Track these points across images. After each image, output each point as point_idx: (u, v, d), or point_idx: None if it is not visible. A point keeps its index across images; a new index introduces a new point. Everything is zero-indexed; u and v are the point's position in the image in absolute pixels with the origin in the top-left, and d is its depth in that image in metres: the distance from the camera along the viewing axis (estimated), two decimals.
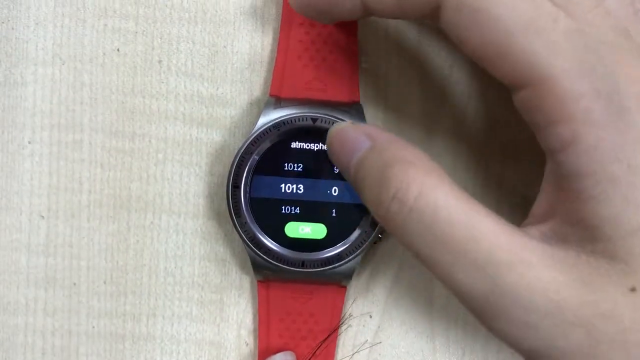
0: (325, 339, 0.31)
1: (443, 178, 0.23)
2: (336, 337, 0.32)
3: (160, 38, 0.32)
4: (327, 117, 0.30)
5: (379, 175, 0.23)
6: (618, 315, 0.21)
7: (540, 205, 0.24)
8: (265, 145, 0.30)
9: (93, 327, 0.33)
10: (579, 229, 0.22)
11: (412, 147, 0.24)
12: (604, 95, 0.21)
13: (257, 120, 0.30)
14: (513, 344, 0.22)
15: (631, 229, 0.21)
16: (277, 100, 0.30)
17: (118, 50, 0.32)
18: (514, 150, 0.32)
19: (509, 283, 0.21)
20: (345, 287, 0.32)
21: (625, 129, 0.21)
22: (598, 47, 0.21)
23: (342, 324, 0.32)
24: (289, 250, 0.30)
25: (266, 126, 0.30)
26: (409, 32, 0.31)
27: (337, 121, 0.29)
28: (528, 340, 0.22)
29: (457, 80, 0.32)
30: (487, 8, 0.21)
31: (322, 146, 0.30)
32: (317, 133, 0.30)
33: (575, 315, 0.21)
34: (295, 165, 0.30)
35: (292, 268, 0.30)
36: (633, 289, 0.21)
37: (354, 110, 0.30)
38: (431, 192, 0.22)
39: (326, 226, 0.30)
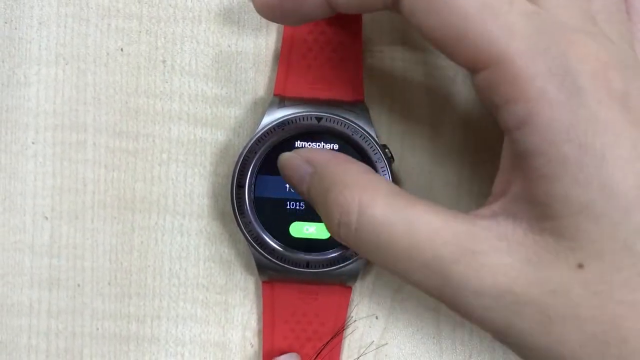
0: (329, 340, 0.31)
1: (378, 190, 0.24)
2: (341, 338, 0.32)
3: (164, 38, 0.32)
4: (331, 116, 0.29)
5: (324, 202, 0.25)
6: (567, 292, 0.21)
7: (498, 184, 0.24)
8: (270, 144, 0.30)
9: (97, 328, 0.33)
10: (530, 207, 0.22)
11: (347, 163, 0.25)
12: (558, 74, 0.21)
13: (261, 120, 0.30)
14: (479, 326, 0.23)
15: (579, 207, 0.21)
16: (281, 99, 0.30)
17: (122, 50, 0.32)
18: None
19: (457, 275, 0.22)
20: (350, 287, 0.31)
21: (578, 108, 0.21)
22: (554, 29, 0.22)
23: (347, 326, 0.32)
24: (294, 251, 0.30)
25: (270, 125, 0.30)
26: (414, 30, 0.31)
27: (341, 120, 0.29)
28: (488, 322, 0.23)
29: (464, 79, 0.31)
30: None
31: (326, 145, 0.30)
32: (321, 132, 0.30)
33: (526, 294, 0.22)
34: None
35: (296, 268, 0.30)
36: (580, 266, 0.21)
37: (358, 109, 0.30)
38: (368, 209, 0.23)
39: None
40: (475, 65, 0.22)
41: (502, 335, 0.23)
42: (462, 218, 0.23)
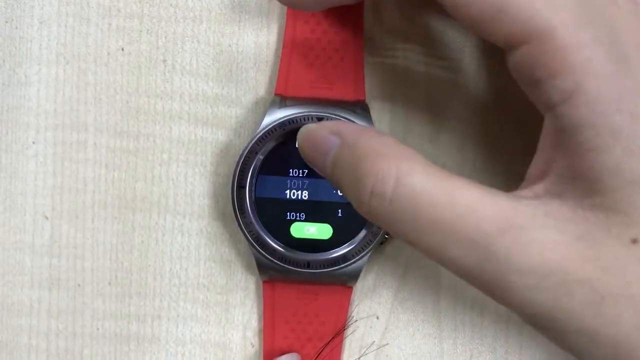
0: (330, 340, 0.31)
1: (416, 161, 0.22)
2: (342, 338, 0.32)
3: (165, 37, 0.32)
4: (332, 116, 0.29)
5: (353, 172, 0.23)
6: (621, 269, 0.20)
7: (535, 166, 0.23)
8: (271, 144, 0.30)
9: (97, 328, 0.33)
10: (576, 184, 0.21)
11: (380, 135, 0.24)
12: (605, 44, 0.21)
13: (262, 120, 0.30)
14: (518, 310, 0.22)
15: (631, 179, 0.20)
16: (282, 99, 0.30)
17: (122, 49, 0.32)
18: (523, 147, 0.31)
19: (502, 250, 0.21)
20: (351, 287, 0.31)
21: (627, 77, 0.20)
22: (594, 2, 0.21)
23: (347, 326, 0.32)
24: (295, 251, 0.30)
25: (271, 125, 0.30)
26: (416, 28, 0.31)
27: (343, 120, 0.29)
28: (532, 304, 0.21)
29: (465, 77, 0.31)
30: None
31: None
32: None
33: (577, 272, 0.21)
34: (301, 164, 0.30)
35: (297, 269, 0.30)
36: (635, 241, 0.20)
37: (360, 109, 0.30)
38: (406, 179, 0.22)
39: (332, 226, 0.30)
40: (514, 41, 0.22)
41: (544, 319, 0.21)
42: (504, 194, 0.22)
